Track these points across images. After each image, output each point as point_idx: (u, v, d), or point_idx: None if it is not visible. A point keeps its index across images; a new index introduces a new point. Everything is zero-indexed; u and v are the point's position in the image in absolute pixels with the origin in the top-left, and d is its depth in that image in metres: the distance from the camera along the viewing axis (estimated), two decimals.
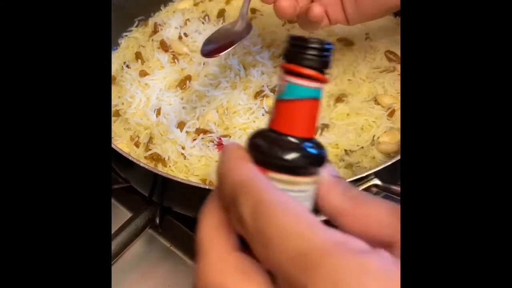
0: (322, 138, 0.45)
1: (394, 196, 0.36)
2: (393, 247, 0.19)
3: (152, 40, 0.55)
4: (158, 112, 0.47)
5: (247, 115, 0.47)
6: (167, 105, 0.48)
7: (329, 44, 0.21)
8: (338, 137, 0.45)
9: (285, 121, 0.21)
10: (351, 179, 0.37)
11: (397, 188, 0.36)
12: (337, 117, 0.47)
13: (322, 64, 0.21)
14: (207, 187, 0.37)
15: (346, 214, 0.20)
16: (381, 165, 0.44)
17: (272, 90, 0.49)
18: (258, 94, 0.49)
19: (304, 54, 0.21)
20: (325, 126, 0.46)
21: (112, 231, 0.44)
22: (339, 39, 0.52)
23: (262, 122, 0.47)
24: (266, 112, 0.47)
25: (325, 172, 0.21)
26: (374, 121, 0.46)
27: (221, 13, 0.57)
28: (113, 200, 0.50)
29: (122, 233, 0.44)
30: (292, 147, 0.21)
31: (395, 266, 0.16)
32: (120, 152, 0.39)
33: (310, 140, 0.21)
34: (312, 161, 0.21)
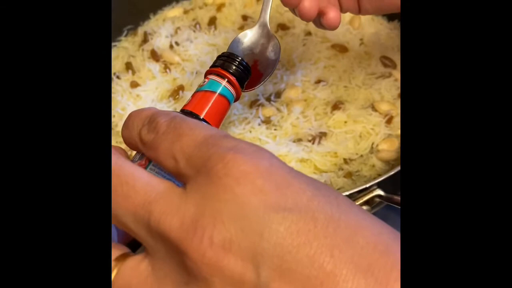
0: (321, 147, 0.44)
1: (397, 206, 0.35)
2: None
3: (143, 49, 0.54)
4: None
5: (243, 125, 0.46)
6: None
7: (243, 62, 0.32)
8: (336, 145, 0.45)
9: (195, 104, 0.30)
10: (353, 190, 0.36)
11: (400, 199, 0.35)
12: (334, 125, 0.46)
13: (236, 72, 0.32)
14: None
15: None
16: (381, 173, 0.44)
17: (268, 99, 0.48)
18: (254, 103, 0.48)
19: (228, 62, 0.32)
20: (323, 135, 0.45)
21: None
22: (333, 46, 0.51)
23: (258, 132, 0.46)
24: (262, 121, 0.46)
25: None
26: (372, 128, 0.46)
27: (212, 21, 0.56)
28: None
29: None
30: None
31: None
32: None
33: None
34: None
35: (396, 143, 0.45)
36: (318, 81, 0.49)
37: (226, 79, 0.31)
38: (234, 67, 0.32)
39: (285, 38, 0.53)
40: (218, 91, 0.31)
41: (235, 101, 0.33)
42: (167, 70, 0.51)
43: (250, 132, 0.46)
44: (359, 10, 0.39)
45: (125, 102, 0.48)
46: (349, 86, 0.49)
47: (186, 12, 0.58)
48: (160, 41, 0.54)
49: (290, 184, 0.18)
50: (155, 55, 0.52)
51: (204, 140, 0.20)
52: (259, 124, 0.46)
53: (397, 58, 0.51)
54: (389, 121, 0.46)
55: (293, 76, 0.49)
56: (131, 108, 0.47)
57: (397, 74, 0.49)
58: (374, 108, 0.47)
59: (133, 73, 0.51)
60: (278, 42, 0.38)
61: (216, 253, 0.17)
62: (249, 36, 0.38)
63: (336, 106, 0.47)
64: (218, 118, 0.31)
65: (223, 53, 0.33)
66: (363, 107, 0.47)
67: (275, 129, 0.46)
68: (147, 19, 0.59)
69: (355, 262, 0.17)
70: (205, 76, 0.32)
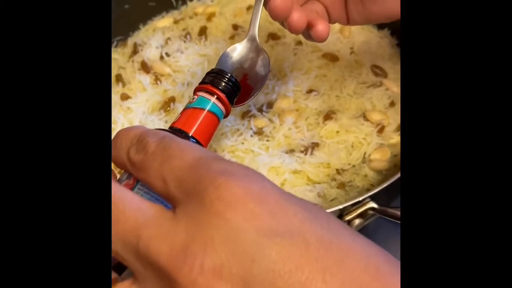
0: (313, 157, 0.44)
1: (391, 219, 0.35)
2: None
3: (133, 61, 0.53)
4: None
5: (235, 137, 0.46)
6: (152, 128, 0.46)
7: (237, 81, 0.32)
8: (329, 156, 0.45)
9: (184, 122, 0.30)
10: (347, 204, 0.36)
11: (394, 211, 0.35)
12: (327, 135, 0.46)
13: (227, 90, 0.32)
14: None
15: None
16: (373, 183, 0.44)
17: (260, 110, 0.48)
18: (245, 114, 0.47)
19: (218, 79, 0.32)
20: (316, 145, 0.45)
21: None
22: (324, 55, 0.51)
23: (251, 143, 0.45)
24: (255, 133, 0.46)
25: None
26: (364, 138, 0.46)
27: (202, 31, 0.56)
28: None
29: None
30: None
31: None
32: None
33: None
34: None
35: (388, 153, 0.45)
36: (310, 91, 0.49)
37: (216, 96, 0.31)
38: (223, 84, 0.31)
39: (276, 47, 0.53)
40: (207, 108, 0.31)
41: (224, 117, 0.33)
42: (158, 81, 0.51)
43: (243, 143, 0.46)
44: (348, 21, 0.39)
45: (115, 115, 0.47)
46: (341, 95, 0.49)
47: (176, 22, 0.58)
48: (150, 52, 0.53)
49: (282, 208, 0.18)
50: (145, 67, 0.52)
51: (194, 162, 0.20)
52: (251, 136, 0.46)
53: (387, 67, 0.51)
54: (380, 130, 0.46)
55: (285, 86, 0.49)
56: (122, 121, 0.47)
57: (388, 83, 0.49)
58: (365, 118, 0.47)
59: (123, 85, 0.51)
60: (268, 56, 0.37)
61: (206, 280, 0.17)
62: (238, 50, 0.37)
63: (328, 116, 0.47)
64: (208, 135, 0.31)
65: (212, 69, 0.32)
66: (354, 116, 0.47)
67: (267, 140, 0.46)
68: (137, 29, 0.58)
69: (346, 286, 0.17)
70: (194, 93, 0.32)
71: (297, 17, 0.34)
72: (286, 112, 0.47)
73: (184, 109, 0.31)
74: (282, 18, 0.35)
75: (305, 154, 0.45)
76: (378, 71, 0.50)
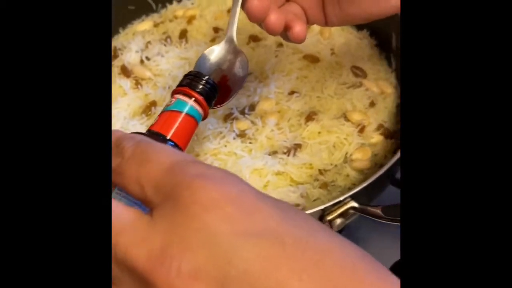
0: (296, 158, 0.45)
1: (371, 217, 0.36)
2: None
3: (113, 65, 0.53)
4: None
5: (218, 140, 0.46)
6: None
7: (215, 83, 0.33)
8: (311, 156, 0.45)
9: (161, 125, 0.30)
10: (328, 204, 0.36)
11: (374, 210, 0.36)
12: (309, 136, 0.46)
13: (203, 91, 0.32)
14: None
15: None
16: (355, 182, 0.44)
17: (242, 112, 0.48)
18: (228, 117, 0.48)
19: (196, 82, 0.32)
20: (298, 146, 0.46)
21: None
22: (305, 56, 0.52)
23: (234, 146, 0.46)
24: (237, 135, 0.46)
25: None
26: (345, 138, 0.46)
27: (183, 34, 0.55)
28: None
29: None
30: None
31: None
32: None
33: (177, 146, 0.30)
34: None
35: (369, 152, 0.46)
36: (292, 92, 0.49)
37: (193, 98, 0.31)
38: (201, 86, 0.32)
39: (257, 49, 0.54)
40: (185, 111, 0.31)
41: (203, 119, 0.33)
42: (139, 86, 0.50)
43: (226, 146, 0.46)
44: (326, 22, 0.39)
45: None
46: (322, 96, 0.49)
47: (156, 25, 0.58)
48: (130, 57, 0.53)
49: (259, 209, 0.19)
50: (125, 71, 0.52)
51: (170, 166, 0.20)
52: (234, 138, 0.46)
53: (367, 67, 0.51)
54: (361, 130, 0.47)
55: (267, 88, 0.49)
56: None
57: (367, 83, 0.50)
58: (346, 118, 0.47)
59: None
60: (246, 57, 0.37)
61: (184, 282, 0.17)
62: (216, 52, 0.37)
63: (310, 117, 0.47)
64: (186, 138, 0.31)
65: (190, 72, 0.33)
66: (335, 117, 0.48)
67: (250, 143, 0.46)
68: (116, 33, 0.58)
69: (323, 285, 0.17)
70: (172, 95, 0.32)
71: (275, 18, 0.34)
72: (268, 114, 0.48)
73: (161, 112, 0.31)
74: (259, 20, 0.35)
75: (288, 155, 0.45)
76: (358, 71, 0.51)
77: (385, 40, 0.53)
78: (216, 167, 0.20)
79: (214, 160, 0.45)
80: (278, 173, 0.44)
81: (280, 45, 0.53)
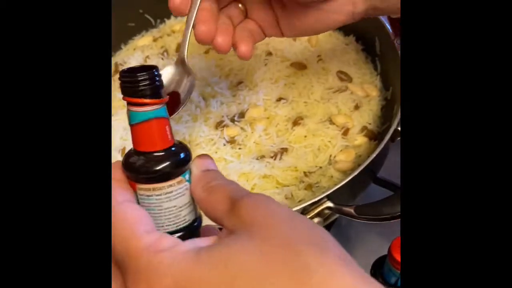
0: (282, 162, 0.47)
1: (347, 217, 0.38)
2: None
3: (114, 80, 0.57)
4: (123, 152, 0.49)
5: (209, 147, 0.49)
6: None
7: (151, 70, 0.25)
8: (296, 159, 0.47)
9: (139, 142, 0.26)
10: (306, 204, 0.39)
11: (349, 210, 0.38)
12: (295, 140, 0.49)
13: (149, 90, 0.25)
14: None
15: (203, 202, 0.25)
16: (338, 183, 0.47)
17: (232, 120, 0.51)
18: (219, 125, 0.51)
19: (131, 86, 0.25)
20: (284, 150, 0.48)
21: None
22: (292, 64, 0.54)
23: (224, 152, 0.48)
24: (227, 141, 0.49)
25: (195, 168, 0.26)
26: (329, 141, 0.48)
27: (179, 47, 0.59)
28: None
29: None
30: (150, 162, 0.25)
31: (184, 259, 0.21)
32: None
33: (168, 149, 0.26)
34: (172, 166, 0.25)
35: (352, 154, 0.48)
36: (279, 99, 0.52)
37: (145, 103, 0.26)
38: (143, 87, 0.25)
39: None
40: (147, 118, 0.26)
41: (169, 106, 0.29)
42: None
43: (216, 152, 0.49)
44: (282, 35, 0.42)
45: None
46: (308, 101, 0.52)
47: (155, 40, 0.62)
48: None
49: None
50: None
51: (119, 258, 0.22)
52: (224, 145, 0.49)
53: (352, 72, 0.53)
54: (345, 133, 0.49)
55: (255, 96, 0.52)
56: None
57: (352, 87, 0.52)
58: (331, 122, 0.50)
59: None
60: (194, 77, 0.40)
61: None
62: (169, 72, 0.40)
63: (296, 122, 0.50)
64: (164, 137, 0.26)
65: (122, 74, 0.26)
66: (321, 121, 0.50)
67: (239, 148, 0.49)
68: (118, 49, 0.62)
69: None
70: (127, 108, 0.27)
71: (221, 40, 0.38)
72: (257, 120, 0.50)
73: (133, 126, 0.26)
74: (207, 43, 0.38)
75: (274, 159, 0.47)
76: (343, 76, 0.53)
77: (371, 44, 0.55)
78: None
79: None
80: (264, 177, 0.47)
81: (269, 54, 0.56)
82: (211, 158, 0.27)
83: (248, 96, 0.52)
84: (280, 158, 0.47)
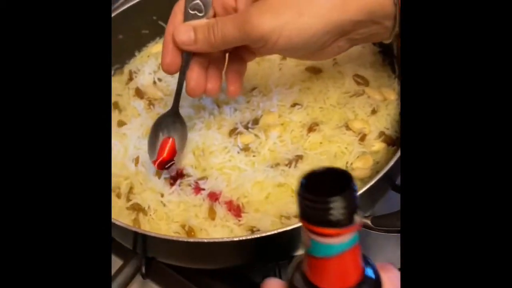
0: (297, 170, 0.46)
1: (364, 228, 0.37)
2: None
3: (128, 88, 0.57)
4: (137, 161, 0.49)
5: (223, 155, 0.48)
6: (145, 153, 0.49)
7: (350, 190, 0.19)
8: (312, 167, 0.46)
9: (325, 278, 0.20)
10: None
11: (365, 220, 0.36)
12: (310, 147, 0.48)
13: (347, 218, 0.19)
14: (184, 240, 0.38)
15: None
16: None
17: (246, 127, 0.50)
18: (232, 132, 0.50)
19: (322, 213, 0.19)
20: (299, 158, 0.47)
21: None
22: (307, 68, 0.53)
23: (237, 161, 0.48)
24: (241, 149, 0.48)
25: None
26: (346, 147, 0.47)
27: None
28: None
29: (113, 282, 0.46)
30: None
31: None
32: None
33: (361, 283, 0.20)
34: None
35: (370, 160, 0.46)
36: (294, 105, 0.51)
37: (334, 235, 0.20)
38: (339, 216, 0.19)
39: (262, 63, 0.55)
40: (341, 251, 0.20)
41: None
42: (151, 106, 0.54)
43: (230, 161, 0.48)
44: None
45: (112, 142, 0.51)
46: (324, 106, 0.50)
47: None
48: (144, 79, 0.56)
49: None
50: (139, 93, 0.55)
51: None
52: (238, 152, 0.48)
53: (369, 75, 0.52)
54: (362, 138, 0.47)
55: (269, 102, 0.51)
56: (118, 147, 0.50)
57: (369, 91, 0.50)
58: (348, 127, 0.48)
59: (120, 112, 0.54)
60: (186, 128, 0.47)
61: None
62: (164, 121, 0.46)
63: (312, 128, 0.49)
64: (354, 272, 0.21)
65: (306, 192, 0.21)
66: (337, 126, 0.49)
67: (253, 156, 0.48)
68: (132, 57, 0.62)
69: None
70: (306, 233, 0.21)
71: (210, 87, 0.44)
72: (271, 127, 0.49)
73: (314, 258, 0.21)
74: (198, 96, 0.45)
75: (289, 167, 0.46)
76: (360, 80, 0.51)
77: (388, 46, 0.53)
78: None
79: (219, 175, 0.47)
80: (279, 185, 0.45)
81: (283, 58, 0.55)
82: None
83: (262, 102, 0.51)
84: (295, 166, 0.46)
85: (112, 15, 0.58)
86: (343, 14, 0.39)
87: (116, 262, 0.50)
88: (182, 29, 0.42)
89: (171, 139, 0.45)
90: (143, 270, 0.46)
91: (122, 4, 0.60)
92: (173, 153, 0.45)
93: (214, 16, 0.43)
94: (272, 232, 0.37)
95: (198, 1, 0.42)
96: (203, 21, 0.42)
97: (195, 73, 0.43)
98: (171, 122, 0.46)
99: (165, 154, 0.44)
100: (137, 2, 0.59)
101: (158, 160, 0.45)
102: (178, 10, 0.43)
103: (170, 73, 0.43)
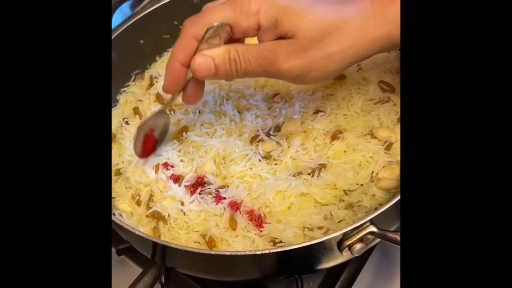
0: (320, 179, 0.45)
1: (391, 243, 0.35)
2: None
3: (149, 93, 0.56)
4: (157, 168, 0.48)
5: (244, 162, 0.47)
6: (165, 160, 0.49)
7: None
8: (335, 177, 0.45)
9: None
10: (347, 229, 0.36)
11: (393, 236, 0.35)
12: (334, 156, 0.46)
13: None
14: (204, 252, 0.37)
15: None
16: (382, 202, 0.44)
17: (267, 134, 0.49)
18: (254, 139, 0.49)
19: None
20: (322, 166, 0.46)
21: None
22: None
23: (258, 169, 0.47)
24: (263, 157, 0.47)
25: None
26: (371, 157, 0.45)
27: None
28: (123, 257, 0.51)
29: None
30: None
31: None
32: (119, 222, 0.40)
33: None
34: None
35: (396, 170, 0.44)
36: (317, 111, 0.49)
37: None
38: None
39: None
40: None
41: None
42: (172, 112, 0.53)
43: (251, 169, 0.47)
44: None
45: (132, 148, 0.50)
46: (348, 114, 0.49)
47: None
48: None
49: None
50: (160, 98, 0.55)
51: None
52: (259, 160, 0.47)
53: (395, 82, 0.50)
54: (388, 147, 0.46)
55: (292, 109, 0.50)
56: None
57: (395, 98, 0.49)
58: (373, 135, 0.47)
59: (140, 117, 0.54)
60: (169, 119, 0.49)
61: None
62: (152, 120, 0.48)
63: (335, 136, 0.47)
64: None
65: None
66: (362, 134, 0.47)
67: (275, 164, 0.47)
68: (153, 61, 0.61)
69: None
70: None
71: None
72: (293, 134, 0.48)
73: None
74: (194, 103, 0.46)
75: (312, 176, 0.45)
76: (385, 86, 0.50)
77: None
78: None
79: (240, 183, 0.46)
80: (302, 195, 0.44)
81: None
82: None
83: (284, 109, 0.50)
84: (318, 175, 0.45)
85: (133, 20, 0.57)
86: (367, 51, 0.39)
87: (136, 270, 0.50)
88: (201, 61, 0.40)
89: (150, 131, 0.48)
90: (163, 279, 0.45)
91: (143, 9, 0.59)
92: (154, 142, 0.48)
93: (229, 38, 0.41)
94: (296, 246, 0.35)
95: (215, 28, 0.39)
96: (222, 49, 0.40)
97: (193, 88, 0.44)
98: (154, 119, 0.48)
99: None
100: (158, 7, 0.59)
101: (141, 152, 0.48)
102: (187, 35, 0.41)
103: (171, 93, 0.44)
